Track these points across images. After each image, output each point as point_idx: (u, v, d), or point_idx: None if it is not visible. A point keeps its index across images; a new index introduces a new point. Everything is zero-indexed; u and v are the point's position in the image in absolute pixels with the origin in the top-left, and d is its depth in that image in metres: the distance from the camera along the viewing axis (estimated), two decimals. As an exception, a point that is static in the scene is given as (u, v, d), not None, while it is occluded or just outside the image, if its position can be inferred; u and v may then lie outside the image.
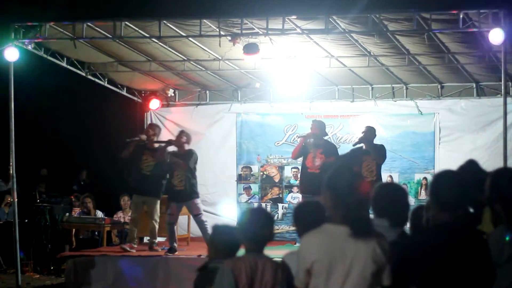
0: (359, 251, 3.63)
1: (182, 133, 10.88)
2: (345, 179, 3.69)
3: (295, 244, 11.35)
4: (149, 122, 14.21)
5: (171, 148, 10.83)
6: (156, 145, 10.79)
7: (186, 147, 10.69)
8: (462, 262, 3.76)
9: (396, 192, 4.38)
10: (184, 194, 10.46)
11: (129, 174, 10.99)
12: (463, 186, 3.90)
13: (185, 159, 10.56)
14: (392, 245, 3.76)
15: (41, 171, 14.85)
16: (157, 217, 10.70)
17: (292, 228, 11.62)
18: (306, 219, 4.41)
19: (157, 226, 10.74)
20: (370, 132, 10.53)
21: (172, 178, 10.58)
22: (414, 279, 3.85)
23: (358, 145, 10.63)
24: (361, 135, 10.55)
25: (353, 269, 3.61)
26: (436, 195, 3.91)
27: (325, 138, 10.85)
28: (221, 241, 4.67)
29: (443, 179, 3.92)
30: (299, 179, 11.68)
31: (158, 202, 10.73)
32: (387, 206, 4.20)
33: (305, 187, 10.50)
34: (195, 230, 12.29)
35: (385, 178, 11.50)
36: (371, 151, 10.33)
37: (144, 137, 10.78)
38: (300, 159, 11.00)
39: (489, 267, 3.82)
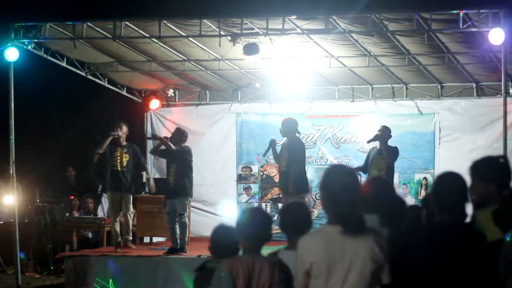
0: (357, 250, 3.63)
1: (178, 130, 10.87)
2: (337, 178, 3.71)
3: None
4: (149, 122, 14.24)
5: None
6: (125, 142, 10.83)
7: (182, 144, 10.66)
8: (463, 260, 3.77)
9: (382, 186, 4.37)
10: (173, 191, 10.45)
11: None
12: (463, 189, 3.91)
13: (179, 156, 10.56)
14: (392, 244, 3.76)
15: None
16: (130, 212, 10.80)
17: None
18: (291, 221, 4.45)
19: (130, 221, 10.84)
20: (386, 132, 10.66)
21: (168, 176, 10.60)
22: (416, 277, 3.85)
23: (373, 144, 10.85)
24: (377, 133, 10.66)
25: (352, 269, 3.62)
26: (436, 197, 3.92)
27: (297, 135, 10.52)
28: (221, 241, 4.67)
29: (444, 182, 3.94)
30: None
31: (131, 197, 10.82)
32: (375, 201, 4.19)
33: (281, 185, 10.67)
34: (195, 230, 12.32)
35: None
36: (384, 151, 10.45)
37: (119, 133, 10.80)
38: None
39: (491, 266, 3.82)
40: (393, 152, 10.65)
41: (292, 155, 10.11)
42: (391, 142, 10.86)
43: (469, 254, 3.79)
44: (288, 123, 10.34)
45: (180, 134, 10.71)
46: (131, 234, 11.00)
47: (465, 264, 3.78)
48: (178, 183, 10.42)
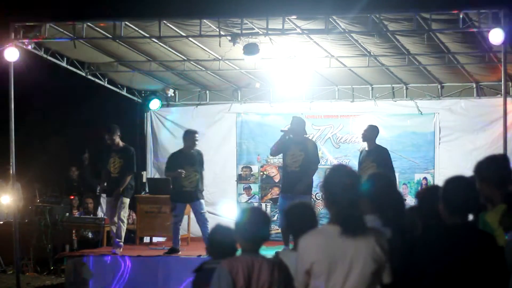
0: (358, 250, 3.63)
1: (189, 132, 10.70)
2: (338, 178, 3.70)
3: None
4: (149, 122, 14.24)
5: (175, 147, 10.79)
6: (121, 144, 10.70)
7: (195, 146, 10.63)
8: (473, 263, 3.77)
9: (383, 184, 4.34)
10: (192, 195, 10.42)
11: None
12: (473, 191, 3.93)
13: (193, 159, 10.55)
14: (397, 245, 3.75)
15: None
16: (124, 217, 10.57)
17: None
18: (297, 221, 4.44)
19: (123, 227, 10.60)
20: (370, 131, 10.51)
21: (180, 178, 10.45)
22: (425, 278, 3.83)
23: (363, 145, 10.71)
24: (363, 133, 10.54)
25: (353, 268, 3.62)
26: (447, 199, 3.91)
27: (305, 136, 10.50)
28: (219, 242, 4.67)
29: (454, 184, 3.94)
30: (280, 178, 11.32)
31: (127, 201, 10.64)
32: (376, 199, 4.16)
33: (286, 186, 10.17)
34: (195, 230, 12.30)
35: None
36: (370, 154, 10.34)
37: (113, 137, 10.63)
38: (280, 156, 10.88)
39: (502, 268, 3.82)
40: (384, 154, 10.44)
41: (310, 158, 10.05)
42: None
43: (480, 255, 3.79)
44: (298, 123, 10.26)
45: (192, 136, 10.58)
46: (122, 239, 10.64)
47: (476, 266, 3.77)
48: (197, 187, 10.44)
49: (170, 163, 10.69)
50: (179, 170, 10.36)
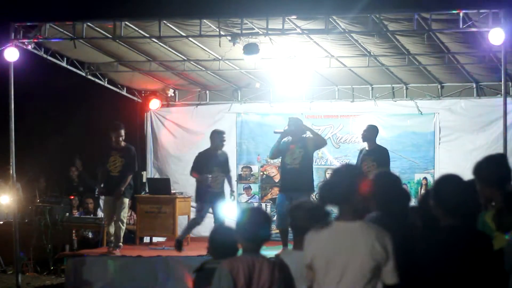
0: (356, 247, 3.64)
1: (223, 133, 10.70)
2: (334, 175, 3.74)
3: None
4: (149, 122, 14.23)
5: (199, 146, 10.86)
6: (123, 143, 10.65)
7: (221, 148, 10.63)
8: (471, 264, 3.76)
9: (388, 182, 4.33)
10: (218, 196, 10.44)
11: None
12: (469, 191, 3.89)
13: (219, 160, 10.56)
14: (398, 246, 3.75)
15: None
16: (124, 218, 10.54)
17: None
18: (303, 220, 4.42)
19: (123, 227, 10.56)
20: (370, 131, 10.51)
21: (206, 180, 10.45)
22: (423, 281, 3.83)
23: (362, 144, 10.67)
24: (363, 133, 10.54)
25: (350, 265, 3.63)
26: (440, 201, 3.86)
27: (304, 136, 10.39)
28: (220, 242, 4.67)
29: (448, 185, 3.88)
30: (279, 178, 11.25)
31: (127, 201, 10.60)
32: (381, 198, 4.16)
33: (285, 184, 10.16)
34: (196, 230, 12.30)
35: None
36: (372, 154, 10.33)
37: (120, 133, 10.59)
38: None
39: (500, 269, 3.82)
40: (384, 154, 10.42)
41: (310, 153, 10.11)
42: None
43: (476, 257, 3.77)
44: (296, 124, 10.24)
45: (220, 137, 10.57)
46: (121, 239, 10.62)
47: (473, 267, 3.76)
48: (222, 188, 10.47)
49: (197, 163, 10.62)
50: (207, 175, 10.37)
